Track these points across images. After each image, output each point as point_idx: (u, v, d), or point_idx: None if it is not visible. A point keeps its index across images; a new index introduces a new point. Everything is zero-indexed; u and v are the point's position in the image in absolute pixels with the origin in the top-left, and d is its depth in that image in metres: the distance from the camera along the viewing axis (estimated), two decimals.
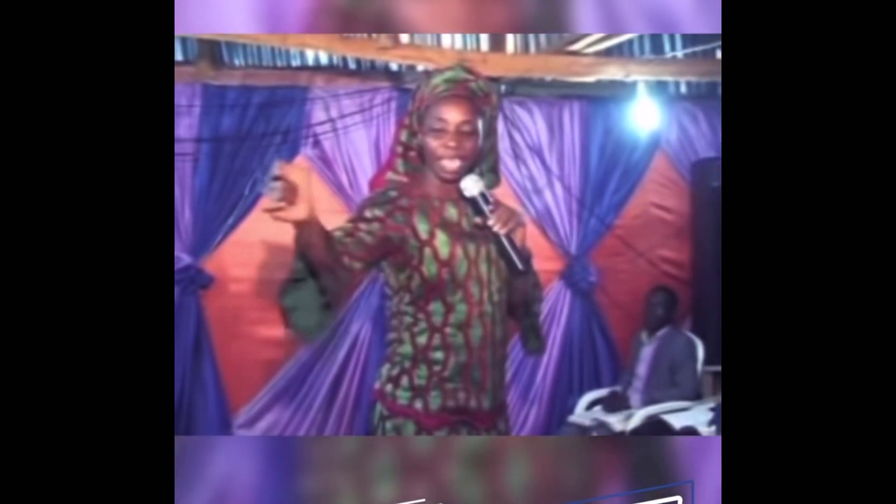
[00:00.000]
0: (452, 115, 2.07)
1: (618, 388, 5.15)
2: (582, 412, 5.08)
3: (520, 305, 2.26)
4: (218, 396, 5.39)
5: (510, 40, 5.57)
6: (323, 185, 5.42)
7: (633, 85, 5.46)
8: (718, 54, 5.22)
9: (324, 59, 5.61)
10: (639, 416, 4.65)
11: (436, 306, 2.09)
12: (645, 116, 5.52)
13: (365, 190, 5.33)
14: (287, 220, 1.69)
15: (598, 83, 5.47)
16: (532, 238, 2.24)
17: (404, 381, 2.11)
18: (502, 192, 2.35)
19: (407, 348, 2.12)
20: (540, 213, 5.63)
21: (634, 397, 4.99)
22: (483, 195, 2.09)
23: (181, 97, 5.28)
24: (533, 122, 5.68)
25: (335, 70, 5.62)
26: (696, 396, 4.88)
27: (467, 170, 2.11)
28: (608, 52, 5.39)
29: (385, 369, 2.16)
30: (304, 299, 1.94)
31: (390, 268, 2.11)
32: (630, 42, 5.53)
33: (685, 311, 5.50)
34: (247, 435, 5.27)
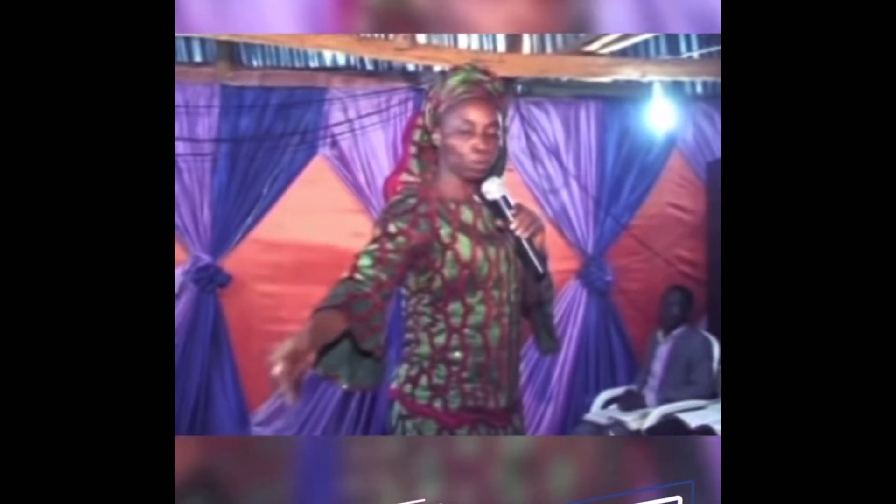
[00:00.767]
0: (479, 116, 2.09)
1: (633, 387, 5.15)
2: (598, 411, 5.09)
3: (533, 306, 2.28)
4: (236, 394, 5.44)
5: (526, 41, 5.58)
6: (340, 184, 5.48)
7: (649, 85, 5.46)
8: None
9: (341, 60, 5.64)
10: (654, 415, 4.66)
11: (455, 307, 2.10)
12: (661, 116, 5.53)
13: (382, 190, 5.38)
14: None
15: (615, 83, 5.49)
16: (548, 237, 2.26)
17: (423, 380, 2.12)
18: (518, 193, 2.37)
19: (425, 349, 2.13)
20: (556, 213, 5.64)
21: (650, 396, 4.99)
22: (505, 198, 2.11)
23: (200, 98, 5.35)
24: (549, 122, 5.70)
25: (352, 71, 5.65)
26: (712, 395, 4.88)
27: (490, 170, 2.13)
28: (624, 53, 5.40)
29: (403, 369, 2.17)
30: (347, 356, 1.95)
31: (411, 271, 2.12)
32: (646, 42, 5.53)
33: (701, 310, 5.52)
34: (266, 433, 5.33)
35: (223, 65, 5.41)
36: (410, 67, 5.52)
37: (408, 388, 2.14)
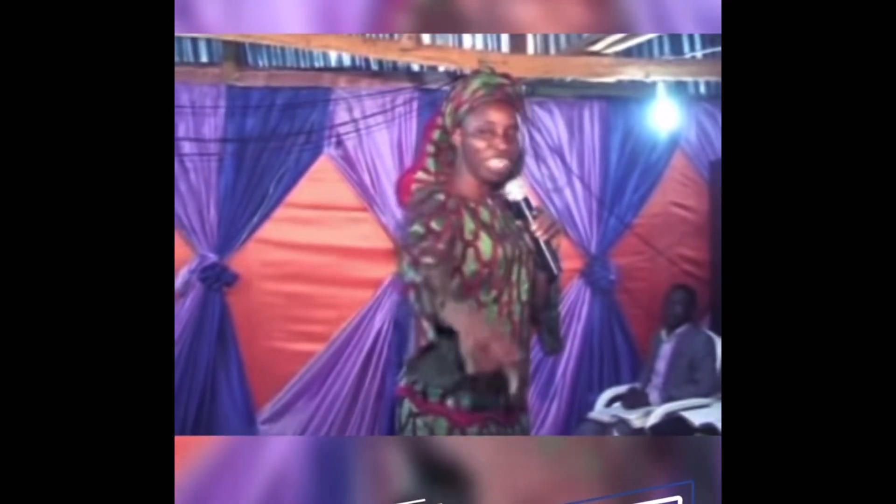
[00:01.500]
0: (500, 117, 2.12)
1: (637, 385, 5.18)
2: (601, 409, 5.11)
3: (542, 307, 2.29)
4: (242, 392, 5.46)
5: (531, 41, 5.61)
6: (346, 184, 5.51)
7: (653, 85, 5.48)
8: None
9: (346, 61, 5.67)
10: (658, 413, 4.69)
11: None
12: (664, 116, 5.55)
13: (387, 189, 5.41)
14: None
15: (618, 83, 5.50)
16: None
17: None
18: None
19: None
20: (560, 212, 5.65)
21: (653, 394, 5.01)
22: (527, 200, 2.15)
23: (206, 98, 5.38)
24: (553, 122, 5.73)
25: (358, 71, 5.68)
26: (715, 393, 4.90)
27: (509, 171, 2.16)
28: (628, 53, 5.42)
29: None
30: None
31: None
32: (649, 43, 5.56)
33: (704, 308, 5.54)
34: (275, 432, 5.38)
35: (229, 65, 5.44)
36: (415, 68, 5.54)
37: (419, 385, 2.15)
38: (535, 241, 2.14)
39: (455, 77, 5.33)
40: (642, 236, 5.80)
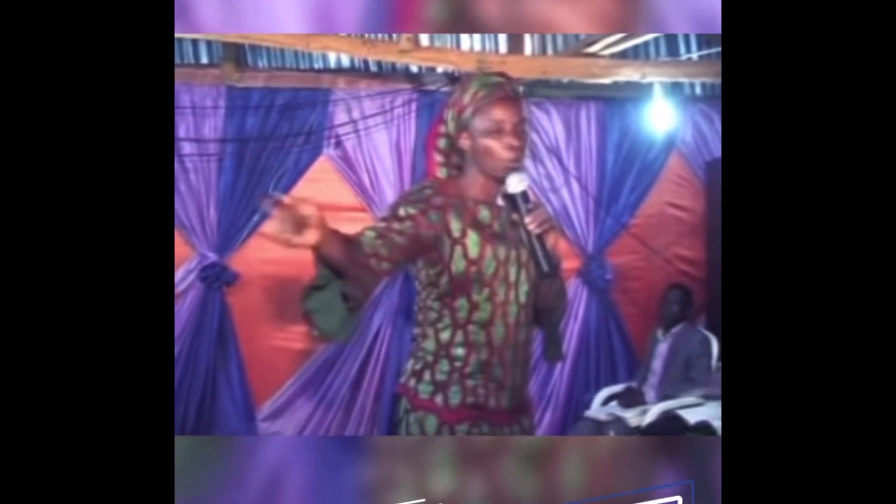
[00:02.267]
0: (507, 115, 2.11)
1: (633, 384, 5.20)
2: (598, 407, 5.13)
3: (542, 312, 2.28)
4: (242, 390, 5.51)
5: (528, 42, 5.65)
6: (345, 185, 5.54)
7: (649, 86, 5.52)
8: None
9: (345, 62, 5.70)
10: (654, 412, 4.70)
11: (461, 303, 2.12)
12: (660, 117, 5.59)
13: (386, 190, 5.47)
14: (298, 247, 1.75)
15: (615, 84, 5.52)
16: None
17: (426, 375, 2.15)
18: None
19: (430, 343, 2.16)
20: (557, 212, 5.67)
21: (650, 393, 5.04)
22: (524, 194, 2.12)
23: (206, 99, 5.42)
24: (550, 122, 5.76)
25: (357, 72, 5.71)
26: (711, 392, 4.92)
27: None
28: (624, 54, 5.46)
29: (410, 364, 2.20)
30: (328, 303, 1.96)
31: (423, 264, 2.14)
32: (646, 44, 5.60)
33: (700, 308, 5.57)
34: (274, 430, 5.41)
35: (229, 66, 5.48)
36: (414, 69, 5.58)
37: (412, 382, 2.17)
38: (528, 234, 2.11)
39: (454, 78, 5.37)
40: (639, 236, 5.84)
